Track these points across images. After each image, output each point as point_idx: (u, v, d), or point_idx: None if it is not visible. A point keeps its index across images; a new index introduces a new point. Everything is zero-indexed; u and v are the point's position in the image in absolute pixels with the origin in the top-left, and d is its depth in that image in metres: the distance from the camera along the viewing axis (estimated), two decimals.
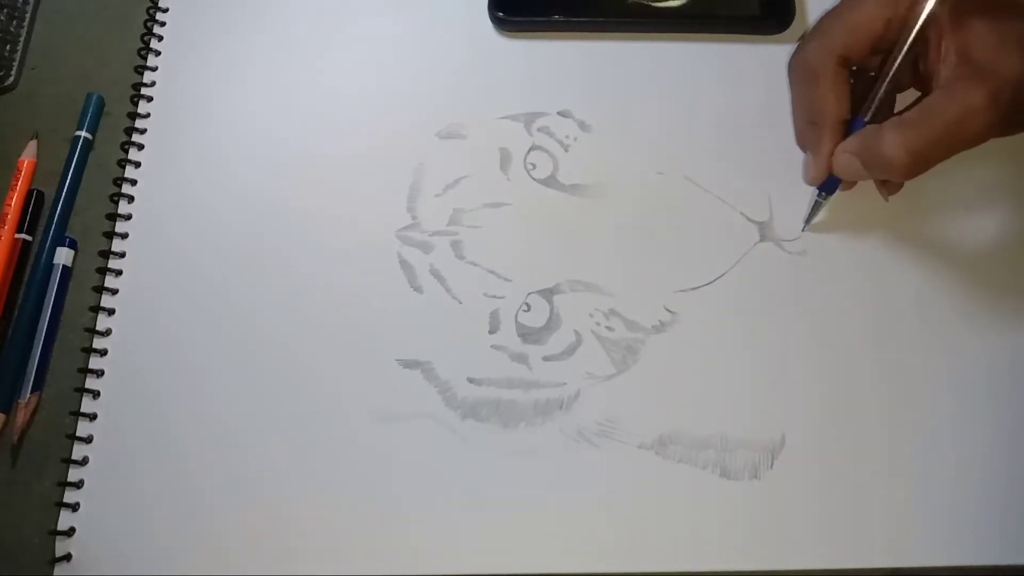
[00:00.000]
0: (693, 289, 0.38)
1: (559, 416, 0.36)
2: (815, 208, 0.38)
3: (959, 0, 0.33)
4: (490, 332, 0.38)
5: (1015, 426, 0.35)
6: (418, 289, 0.39)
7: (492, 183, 0.41)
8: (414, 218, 0.41)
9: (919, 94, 0.35)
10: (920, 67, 0.35)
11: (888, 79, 0.34)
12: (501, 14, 0.44)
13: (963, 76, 0.32)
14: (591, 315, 0.38)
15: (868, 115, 0.35)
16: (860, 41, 0.34)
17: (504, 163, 0.41)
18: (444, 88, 0.44)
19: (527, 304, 0.38)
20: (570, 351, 0.37)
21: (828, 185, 0.37)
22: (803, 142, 0.38)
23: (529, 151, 0.41)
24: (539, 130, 0.42)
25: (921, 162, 0.32)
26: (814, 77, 0.35)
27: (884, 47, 0.34)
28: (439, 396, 0.37)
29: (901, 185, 0.37)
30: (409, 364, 0.38)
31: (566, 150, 0.41)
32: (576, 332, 0.38)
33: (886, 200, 0.37)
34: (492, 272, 0.39)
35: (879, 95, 0.34)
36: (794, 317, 0.37)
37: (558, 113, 0.42)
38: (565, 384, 0.37)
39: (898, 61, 0.34)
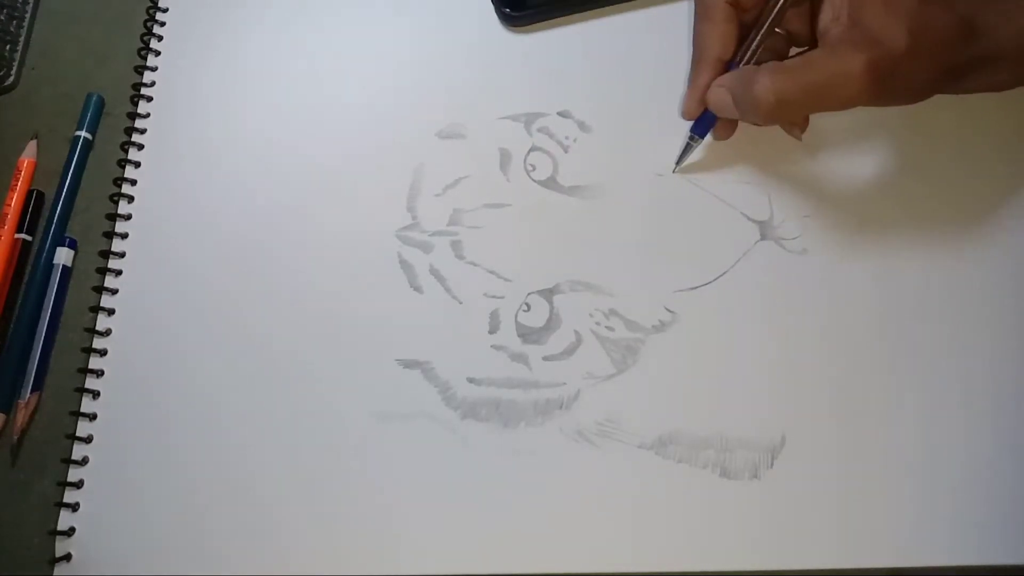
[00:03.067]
0: (693, 289, 0.38)
1: (559, 416, 0.36)
2: (686, 149, 0.39)
3: None
4: (490, 332, 0.38)
5: (1016, 426, 0.35)
6: (418, 289, 0.39)
7: (492, 183, 0.41)
8: (414, 218, 0.41)
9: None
10: (816, 24, 0.35)
11: (764, 29, 0.36)
12: (508, 9, 0.44)
13: (849, 39, 0.33)
14: (591, 315, 0.38)
15: (743, 61, 0.36)
16: None
17: (504, 164, 0.41)
18: (444, 88, 0.44)
19: (527, 304, 0.38)
20: (570, 351, 0.37)
21: (700, 125, 0.38)
22: (688, 78, 0.40)
23: (529, 152, 0.41)
24: (539, 131, 0.42)
25: (785, 108, 0.33)
26: (704, 13, 0.37)
27: None
28: (439, 396, 0.37)
29: (807, 122, 0.37)
30: (409, 364, 0.38)
31: (566, 151, 0.41)
32: (576, 332, 0.38)
33: (799, 139, 0.38)
34: (492, 272, 0.39)
35: (755, 41, 0.36)
36: (795, 316, 0.37)
37: (558, 114, 0.42)
38: (565, 384, 0.37)
39: (773, 13, 0.35)
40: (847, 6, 0.33)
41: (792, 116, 0.35)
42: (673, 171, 0.40)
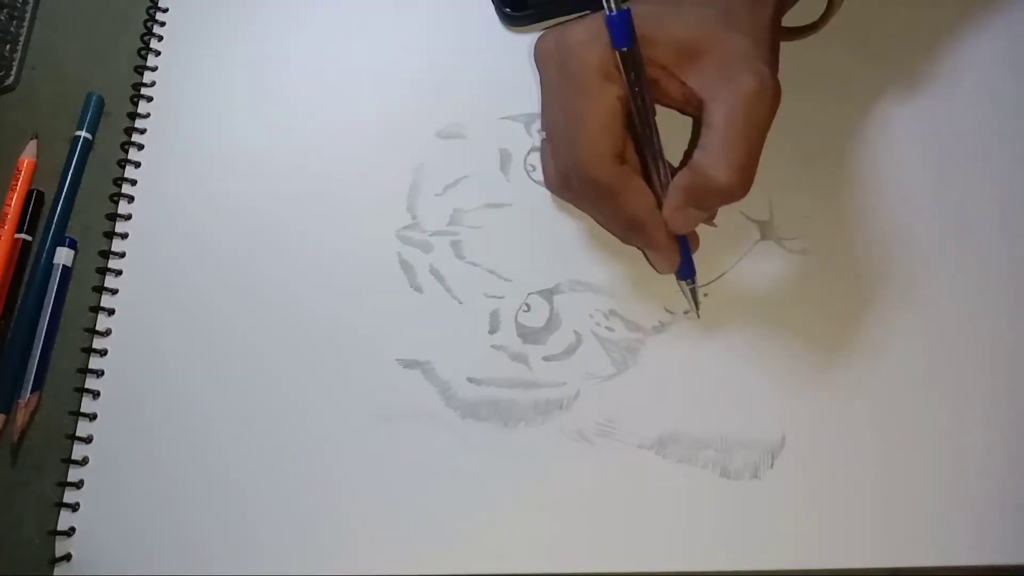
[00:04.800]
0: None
1: (559, 416, 0.36)
2: (693, 295, 0.37)
3: (640, 31, 0.32)
4: (490, 332, 0.38)
5: (1015, 425, 0.35)
6: (418, 289, 0.39)
7: (492, 183, 0.41)
8: (414, 218, 0.41)
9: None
10: (673, 97, 0.35)
11: (661, 158, 0.34)
12: (509, 9, 0.44)
13: (718, 76, 0.33)
14: (591, 315, 0.38)
15: (663, 192, 0.34)
16: (618, 131, 0.34)
17: (504, 163, 0.41)
18: (445, 88, 0.44)
19: (527, 304, 0.38)
20: (570, 351, 0.37)
21: (686, 269, 0.36)
22: (631, 243, 0.38)
23: (529, 152, 0.41)
24: (539, 131, 0.42)
25: (749, 168, 0.32)
26: (611, 191, 0.34)
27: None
28: (439, 396, 0.37)
29: (715, 212, 0.37)
30: (409, 364, 0.38)
31: None
32: (576, 332, 0.38)
33: (715, 227, 0.37)
34: (492, 272, 0.39)
35: (661, 172, 0.34)
36: (795, 316, 0.37)
37: None
38: (565, 384, 0.37)
39: (656, 135, 0.34)
40: (692, 61, 0.33)
41: (755, 169, 0.32)
42: (698, 316, 0.37)
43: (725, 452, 0.35)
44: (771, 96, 0.32)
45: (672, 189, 0.34)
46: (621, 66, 0.32)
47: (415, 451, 0.36)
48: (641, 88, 0.32)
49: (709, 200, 0.33)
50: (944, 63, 0.41)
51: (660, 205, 0.35)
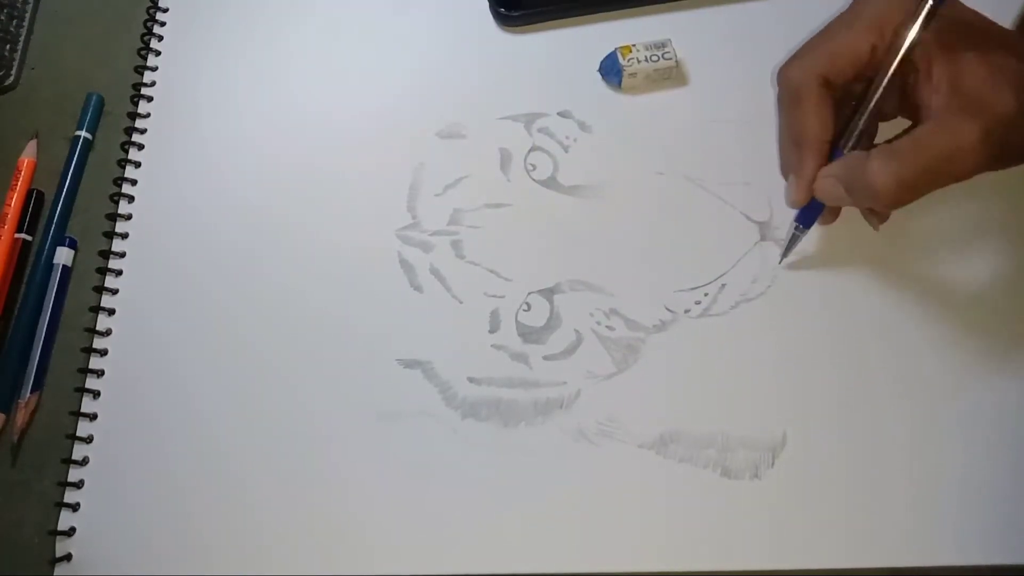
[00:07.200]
0: (693, 289, 0.38)
1: (559, 415, 0.36)
2: (792, 241, 0.37)
3: (947, 28, 0.32)
4: (490, 332, 0.38)
5: (1016, 425, 0.35)
6: (418, 289, 0.39)
7: (492, 183, 0.41)
8: (414, 218, 0.41)
9: (905, 123, 0.35)
10: (909, 94, 0.34)
11: (869, 111, 0.33)
12: (503, 9, 0.44)
13: (956, 109, 0.31)
14: (591, 314, 0.38)
15: (848, 146, 0.34)
16: (843, 66, 0.34)
17: (504, 163, 0.41)
18: (445, 88, 0.44)
19: (527, 304, 0.38)
20: (570, 350, 0.37)
21: (806, 215, 0.36)
22: (786, 164, 0.38)
23: (529, 151, 0.41)
24: (539, 131, 0.42)
25: (908, 192, 0.32)
26: (797, 98, 0.35)
27: (869, 74, 0.34)
28: (439, 396, 0.37)
29: (888, 215, 0.36)
30: (409, 364, 0.38)
31: (566, 151, 0.41)
32: (576, 331, 0.38)
33: (876, 230, 0.37)
34: (492, 272, 0.39)
35: (859, 126, 0.34)
36: (795, 316, 0.37)
37: (558, 114, 0.42)
38: (565, 383, 0.37)
39: (879, 93, 0.33)
40: (946, 75, 0.32)
41: (914, 198, 0.32)
42: (779, 263, 0.38)
43: (726, 451, 0.35)
44: (975, 158, 0.30)
45: (846, 156, 0.34)
46: (924, 11, 0.31)
47: (415, 451, 0.36)
48: (911, 43, 0.32)
49: (858, 188, 0.33)
50: None
51: (835, 145, 0.34)
